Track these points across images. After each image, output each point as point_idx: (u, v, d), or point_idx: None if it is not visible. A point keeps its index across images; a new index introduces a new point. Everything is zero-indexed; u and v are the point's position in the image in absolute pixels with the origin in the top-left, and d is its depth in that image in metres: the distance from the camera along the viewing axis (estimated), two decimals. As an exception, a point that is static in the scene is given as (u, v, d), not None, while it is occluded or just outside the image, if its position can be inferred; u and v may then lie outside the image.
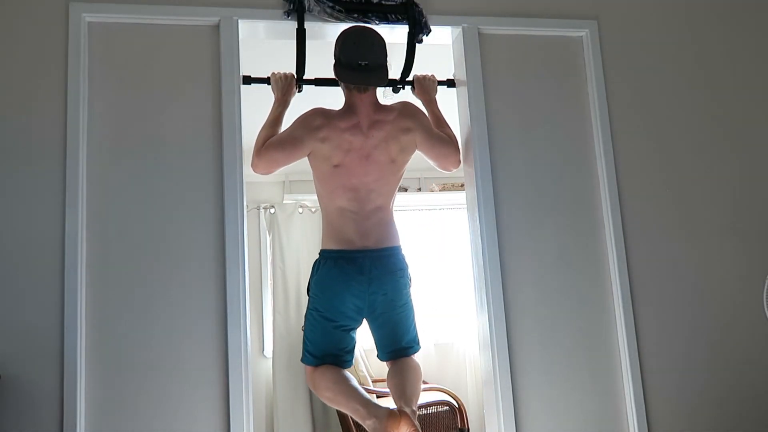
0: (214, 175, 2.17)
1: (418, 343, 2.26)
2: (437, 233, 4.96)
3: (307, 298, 2.20)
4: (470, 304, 4.44)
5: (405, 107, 2.26)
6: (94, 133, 2.12)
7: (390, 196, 2.23)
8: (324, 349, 2.13)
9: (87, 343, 2.00)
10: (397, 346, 2.21)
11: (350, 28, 2.13)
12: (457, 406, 4.03)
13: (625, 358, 2.32)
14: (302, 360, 2.19)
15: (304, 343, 2.18)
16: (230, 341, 2.07)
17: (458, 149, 2.37)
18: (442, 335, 4.93)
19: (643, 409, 2.30)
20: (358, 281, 2.09)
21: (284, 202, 4.82)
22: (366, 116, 2.13)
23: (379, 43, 2.10)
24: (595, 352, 2.34)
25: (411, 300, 2.24)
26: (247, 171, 2.20)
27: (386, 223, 2.19)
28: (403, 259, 2.22)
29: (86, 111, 2.12)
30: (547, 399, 2.27)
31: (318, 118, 2.14)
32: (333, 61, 2.13)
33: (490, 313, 2.27)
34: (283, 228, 4.73)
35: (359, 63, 2.03)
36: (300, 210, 4.76)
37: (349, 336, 2.17)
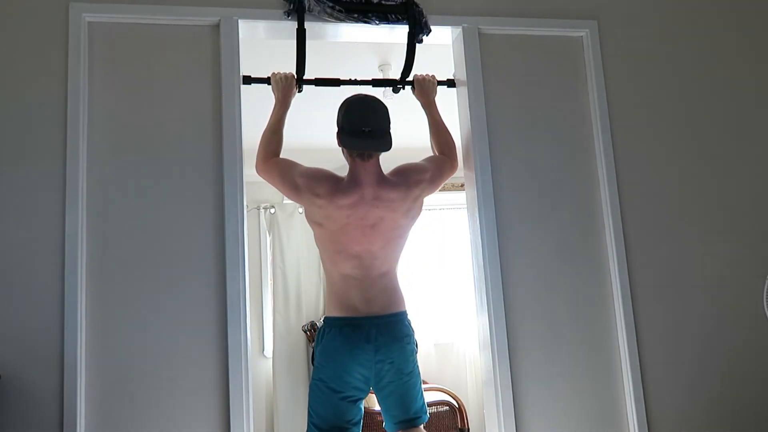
0: (214, 175, 2.17)
1: (426, 413, 2.18)
2: (437, 233, 4.96)
3: (312, 366, 2.12)
4: (470, 304, 4.46)
5: (408, 176, 2.15)
6: (94, 133, 2.12)
7: (396, 261, 2.17)
8: (330, 421, 2.03)
9: (87, 343, 2.00)
10: (406, 417, 2.13)
11: (353, 96, 2.08)
12: (457, 406, 4.03)
13: (625, 357, 2.32)
14: None
15: (309, 414, 2.09)
16: (230, 341, 2.07)
17: (456, 157, 2.33)
18: (442, 335, 4.93)
19: (643, 409, 2.30)
20: (364, 350, 2.02)
21: (284, 202, 4.83)
22: (370, 187, 2.06)
23: (382, 110, 2.05)
24: (595, 351, 2.34)
25: (418, 367, 2.17)
26: (248, 171, 2.20)
27: (392, 289, 2.13)
28: (409, 324, 2.15)
29: (86, 111, 2.12)
30: (547, 399, 2.27)
31: (322, 187, 2.06)
32: (336, 129, 2.07)
33: (490, 313, 2.27)
34: (283, 228, 4.74)
35: (363, 130, 1.99)
36: (300, 210, 4.76)
37: (356, 407, 2.08)
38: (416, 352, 2.16)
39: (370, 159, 2.06)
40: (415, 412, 2.14)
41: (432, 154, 2.38)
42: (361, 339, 2.02)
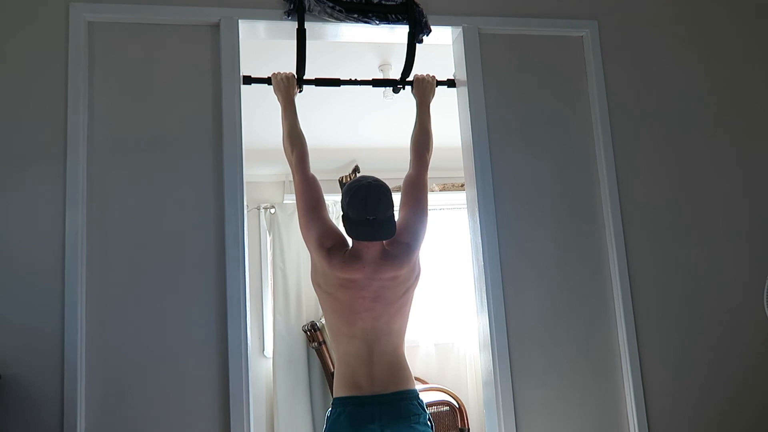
0: (214, 175, 2.17)
1: None
2: (437, 233, 4.96)
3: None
4: (470, 304, 4.46)
5: (406, 243, 2.11)
6: (94, 133, 2.12)
7: (402, 335, 2.12)
8: None
9: (87, 343, 2.00)
10: None
11: (356, 182, 2.04)
12: (457, 406, 4.04)
13: (625, 358, 2.32)
14: None
15: None
16: (230, 341, 2.07)
17: (428, 162, 2.29)
18: (442, 335, 4.93)
19: (643, 409, 2.30)
20: (369, 430, 1.96)
21: (284, 202, 4.83)
22: (372, 263, 2.03)
23: (386, 197, 2.01)
24: (595, 352, 2.34)
25: None
26: (248, 171, 2.20)
27: (398, 367, 2.06)
28: (418, 402, 2.05)
29: (87, 111, 2.12)
30: (547, 399, 2.27)
31: (329, 241, 2.05)
32: (341, 214, 2.04)
33: (490, 313, 2.27)
34: (283, 228, 4.73)
35: (367, 218, 1.97)
36: (300, 210, 4.76)
37: None
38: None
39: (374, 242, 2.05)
40: None
41: (408, 152, 2.33)
42: (365, 418, 1.96)
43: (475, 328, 2.42)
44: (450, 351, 4.96)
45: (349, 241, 2.08)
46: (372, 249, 2.04)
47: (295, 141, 2.20)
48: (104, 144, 2.12)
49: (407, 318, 2.12)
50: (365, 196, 2.00)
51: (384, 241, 2.08)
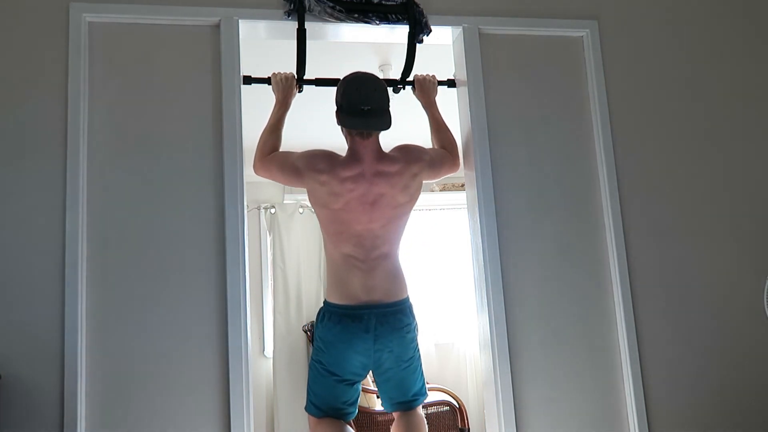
0: (214, 175, 2.17)
1: (425, 393, 2.20)
2: (437, 233, 4.96)
3: (312, 346, 2.16)
4: (470, 304, 4.46)
5: (408, 152, 2.17)
6: (94, 133, 2.12)
7: (397, 242, 2.17)
8: (327, 402, 2.09)
9: (87, 342, 2.00)
10: (403, 399, 2.17)
11: (351, 74, 2.07)
12: (457, 406, 4.03)
13: (625, 357, 2.32)
14: (306, 409, 2.15)
15: (308, 392, 2.15)
16: (230, 341, 2.07)
17: (458, 155, 2.36)
18: (442, 335, 4.94)
19: (644, 409, 2.30)
20: (362, 339, 2.03)
21: (284, 202, 4.83)
22: (370, 164, 2.06)
23: (381, 88, 2.04)
24: (595, 352, 2.34)
25: (418, 352, 2.17)
26: (248, 171, 2.20)
27: (393, 274, 2.12)
28: (410, 311, 2.15)
29: (86, 111, 2.12)
30: (547, 399, 2.27)
31: (322, 161, 2.07)
32: (335, 108, 2.07)
33: (490, 313, 2.27)
34: (283, 228, 4.74)
35: (362, 108, 1.97)
36: (300, 210, 4.77)
37: (353, 389, 2.12)
38: (417, 338, 2.16)
39: (370, 137, 2.06)
40: (413, 395, 2.17)
41: None
42: (360, 329, 2.03)
43: (475, 328, 2.42)
44: (450, 351, 4.97)
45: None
46: (369, 149, 2.06)
47: (272, 137, 2.25)
48: (104, 144, 2.12)
49: (402, 229, 2.18)
50: (359, 85, 2.02)
51: (381, 146, 2.11)
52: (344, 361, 2.05)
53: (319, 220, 2.18)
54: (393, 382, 2.14)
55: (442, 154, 2.31)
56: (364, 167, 2.05)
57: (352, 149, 2.07)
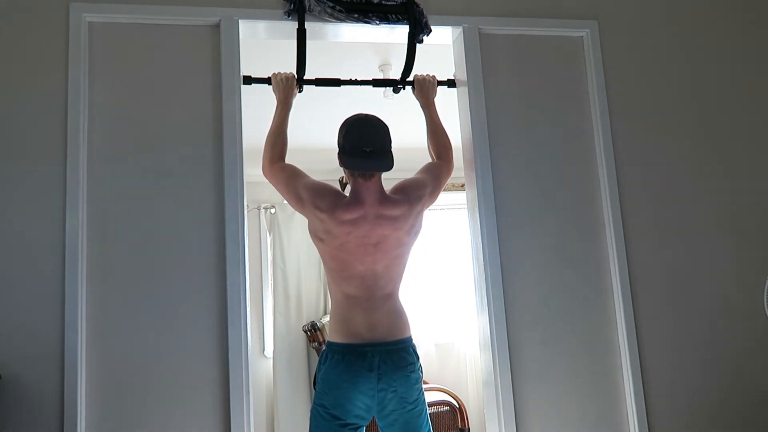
0: (214, 175, 2.17)
1: None
2: (437, 233, 4.96)
3: (314, 391, 2.09)
4: (470, 304, 4.46)
5: (410, 192, 2.12)
6: (94, 133, 2.12)
7: (399, 280, 2.14)
8: None
9: (87, 343, 2.00)
10: None
11: (353, 116, 2.06)
12: (457, 406, 4.04)
13: (625, 357, 2.32)
14: None
15: None
16: (230, 341, 2.07)
17: (452, 158, 2.32)
18: (442, 335, 4.94)
19: (644, 409, 2.30)
20: (366, 378, 1.98)
21: (284, 202, 4.81)
22: (372, 206, 2.03)
23: (383, 130, 2.03)
24: (595, 351, 2.34)
25: (423, 395, 2.11)
26: (248, 171, 2.20)
27: (396, 313, 2.09)
28: (414, 351, 2.09)
29: (87, 111, 2.12)
30: (547, 399, 2.27)
31: (324, 201, 2.03)
32: (337, 150, 2.05)
33: (490, 313, 2.27)
34: (283, 228, 4.74)
35: (364, 150, 1.96)
36: (300, 210, 4.76)
37: None
38: (421, 380, 2.10)
39: (372, 178, 2.03)
40: None
41: (428, 154, 2.37)
42: (363, 367, 1.98)
43: (475, 328, 2.42)
44: (450, 351, 4.97)
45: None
46: (371, 190, 2.04)
47: (279, 140, 2.21)
48: (104, 144, 2.12)
49: (404, 268, 2.15)
50: (361, 127, 2.00)
51: (383, 187, 2.08)
52: (348, 402, 1.98)
53: (320, 254, 2.14)
54: (398, 425, 2.04)
55: (437, 173, 2.25)
56: (367, 209, 2.03)
57: (355, 191, 2.05)
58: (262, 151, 2.20)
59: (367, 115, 2.05)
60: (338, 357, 2.01)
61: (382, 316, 2.05)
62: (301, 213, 2.12)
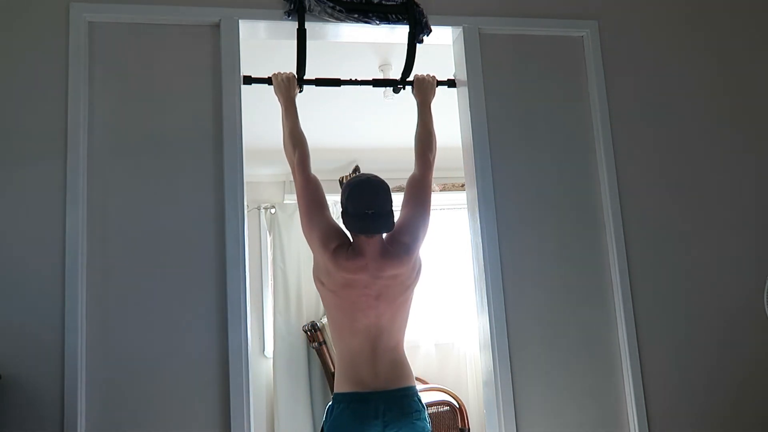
0: (214, 175, 2.17)
1: None
2: (437, 233, 4.96)
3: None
4: (470, 304, 4.46)
5: (406, 241, 2.12)
6: (94, 133, 2.12)
7: (404, 331, 2.15)
8: None
9: (87, 342, 2.00)
10: None
11: (355, 178, 2.09)
12: (457, 406, 4.04)
13: (625, 357, 2.32)
14: None
15: None
16: (230, 341, 2.07)
17: (433, 162, 2.30)
18: (442, 335, 4.93)
19: (643, 408, 2.30)
20: (372, 426, 1.98)
21: (285, 202, 4.83)
22: (374, 260, 2.05)
23: (384, 191, 2.05)
24: (595, 352, 2.34)
25: None
26: (248, 171, 2.21)
27: (400, 363, 2.09)
28: (419, 400, 2.08)
29: (87, 111, 2.12)
30: (547, 399, 2.27)
31: (333, 242, 2.06)
32: (341, 209, 2.07)
33: (490, 313, 2.27)
34: (283, 228, 4.73)
35: (366, 212, 2.01)
36: (300, 210, 4.75)
37: None
38: (428, 427, 2.08)
39: (374, 236, 2.06)
40: None
41: (413, 154, 2.33)
42: (369, 414, 1.98)
43: (475, 328, 2.42)
44: (450, 351, 4.96)
45: (351, 238, 2.09)
46: (372, 246, 2.06)
47: (296, 142, 2.21)
48: (104, 144, 2.12)
49: (408, 315, 2.16)
50: (363, 189, 2.03)
51: (384, 239, 2.10)
52: None
53: (323, 303, 2.13)
54: None
55: (425, 199, 2.22)
56: (368, 261, 2.05)
57: (357, 245, 2.07)
58: (286, 154, 2.20)
59: (368, 177, 2.07)
60: (344, 405, 2.01)
61: (386, 366, 2.05)
62: (306, 237, 2.13)
